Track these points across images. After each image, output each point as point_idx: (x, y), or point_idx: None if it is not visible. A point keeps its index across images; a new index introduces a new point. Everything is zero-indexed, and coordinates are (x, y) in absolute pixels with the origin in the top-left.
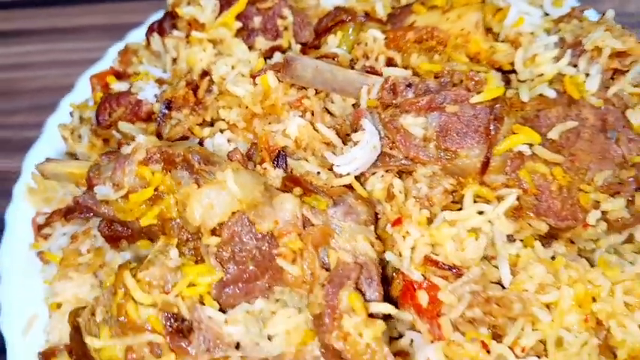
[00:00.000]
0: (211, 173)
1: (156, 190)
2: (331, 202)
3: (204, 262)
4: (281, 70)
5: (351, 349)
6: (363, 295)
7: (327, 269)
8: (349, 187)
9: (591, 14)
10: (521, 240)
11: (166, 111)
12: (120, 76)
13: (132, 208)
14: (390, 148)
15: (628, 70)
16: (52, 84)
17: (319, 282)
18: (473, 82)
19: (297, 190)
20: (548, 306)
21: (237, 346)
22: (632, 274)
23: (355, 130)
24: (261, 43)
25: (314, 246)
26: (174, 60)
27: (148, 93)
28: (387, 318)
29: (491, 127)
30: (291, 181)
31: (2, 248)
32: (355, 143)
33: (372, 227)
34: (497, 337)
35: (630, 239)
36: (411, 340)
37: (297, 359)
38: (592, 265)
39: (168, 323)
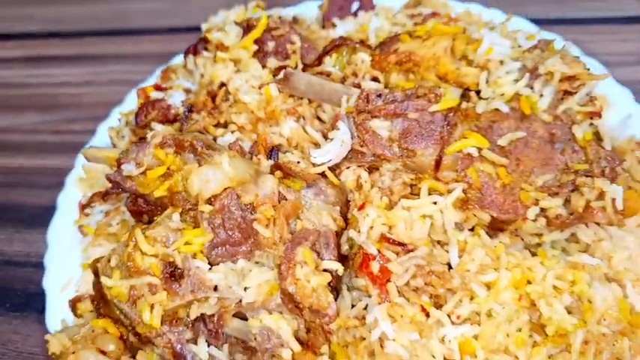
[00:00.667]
0: (211, 156)
1: (168, 168)
2: (305, 184)
3: (200, 228)
4: (281, 82)
5: (300, 292)
6: (319, 255)
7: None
8: (323, 175)
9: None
10: (471, 229)
11: (188, 113)
12: (160, 89)
13: (149, 182)
14: (361, 146)
15: (576, 92)
16: (109, 99)
17: (281, 243)
18: (433, 95)
19: (278, 173)
20: (488, 286)
21: (216, 288)
22: (565, 263)
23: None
24: (272, 62)
25: (285, 216)
26: (202, 75)
27: (176, 99)
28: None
29: (445, 132)
30: (275, 167)
31: (52, 225)
32: (329, 140)
33: (338, 208)
34: (439, 306)
35: (577, 240)
36: (366, 305)
37: (264, 305)
38: None
39: (165, 269)
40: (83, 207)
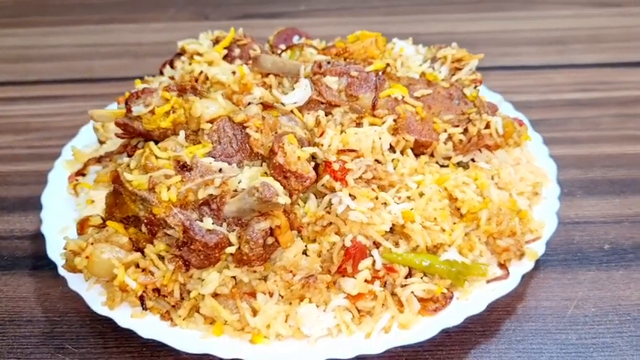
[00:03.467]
0: (208, 93)
1: (172, 107)
2: (280, 113)
3: (199, 144)
4: (252, 63)
5: (288, 160)
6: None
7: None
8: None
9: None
10: (401, 152)
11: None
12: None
13: (155, 119)
14: (317, 96)
15: (463, 68)
16: (81, 123)
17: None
18: (367, 63)
19: (259, 105)
20: (417, 183)
21: (220, 170)
22: (471, 169)
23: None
24: (239, 63)
25: (268, 127)
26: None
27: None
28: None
29: (378, 82)
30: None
31: (44, 192)
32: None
33: (305, 130)
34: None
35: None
36: (329, 199)
37: (253, 185)
38: None
39: (176, 164)
40: (77, 174)
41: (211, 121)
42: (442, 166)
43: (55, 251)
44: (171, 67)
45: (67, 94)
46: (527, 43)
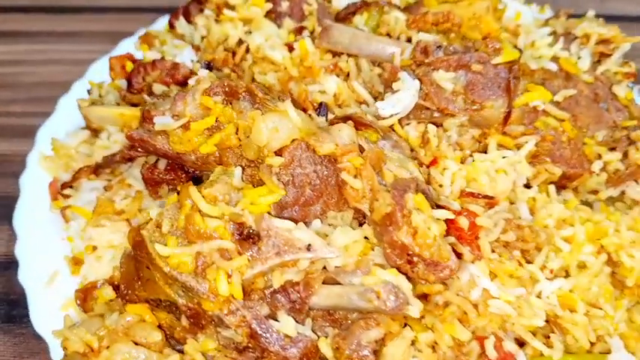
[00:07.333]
0: (273, 103)
1: (216, 120)
2: (380, 135)
3: (262, 186)
4: (319, 36)
5: (421, 241)
6: None
7: (384, 186)
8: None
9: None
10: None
11: (207, 70)
12: (134, 60)
13: (191, 137)
14: (424, 100)
15: (611, 54)
16: (48, 79)
17: (383, 190)
18: (492, 49)
19: (351, 123)
20: (567, 240)
21: (309, 247)
22: (633, 216)
23: (393, 82)
24: (289, 23)
25: (372, 165)
26: (203, 38)
27: (185, 57)
28: None
29: (512, 83)
30: (343, 119)
31: (17, 210)
32: (395, 92)
33: (416, 161)
34: (527, 262)
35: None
36: None
37: (359, 267)
38: None
39: (237, 232)
40: (64, 186)
41: (281, 152)
42: (584, 202)
43: (41, 319)
44: (187, 20)
45: (29, 30)
46: None
